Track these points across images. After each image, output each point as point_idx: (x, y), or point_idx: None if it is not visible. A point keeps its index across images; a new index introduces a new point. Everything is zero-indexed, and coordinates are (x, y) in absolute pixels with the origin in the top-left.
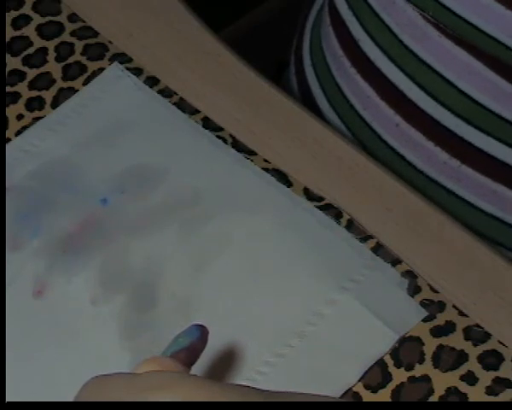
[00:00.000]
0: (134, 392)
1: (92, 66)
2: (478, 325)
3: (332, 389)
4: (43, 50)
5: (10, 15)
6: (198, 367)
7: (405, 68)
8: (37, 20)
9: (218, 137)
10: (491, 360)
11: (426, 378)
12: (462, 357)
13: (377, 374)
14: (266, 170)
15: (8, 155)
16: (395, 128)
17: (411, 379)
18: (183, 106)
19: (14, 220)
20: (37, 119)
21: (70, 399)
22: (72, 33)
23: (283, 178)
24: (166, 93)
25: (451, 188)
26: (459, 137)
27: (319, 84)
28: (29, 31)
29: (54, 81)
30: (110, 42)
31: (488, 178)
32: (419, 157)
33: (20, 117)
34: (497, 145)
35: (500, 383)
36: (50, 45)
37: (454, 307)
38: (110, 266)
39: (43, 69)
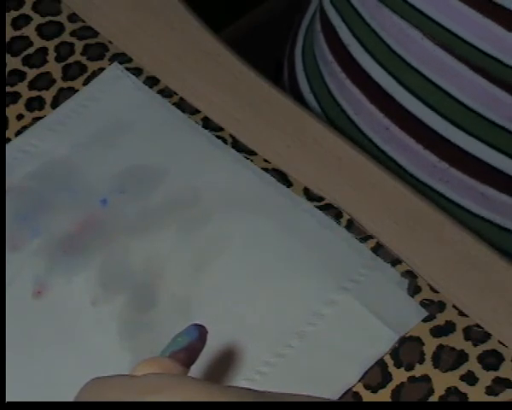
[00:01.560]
0: (133, 395)
1: (92, 66)
2: (478, 325)
3: (332, 390)
4: (43, 50)
5: (10, 15)
6: (198, 367)
7: (393, 72)
8: (37, 20)
9: (218, 137)
10: (491, 360)
11: (426, 378)
12: (462, 357)
13: (377, 374)
14: (266, 170)
15: (7, 155)
16: (385, 132)
17: (411, 379)
18: (182, 106)
19: (14, 221)
20: (37, 119)
21: (70, 399)
22: (72, 33)
23: (283, 178)
24: (166, 93)
25: (441, 190)
26: (446, 139)
27: (311, 89)
28: (29, 31)
29: (54, 81)
30: (110, 42)
31: (476, 180)
32: (409, 160)
33: (20, 117)
34: (484, 148)
35: (500, 383)
36: (50, 45)
37: (454, 307)
38: (110, 266)
39: (43, 69)
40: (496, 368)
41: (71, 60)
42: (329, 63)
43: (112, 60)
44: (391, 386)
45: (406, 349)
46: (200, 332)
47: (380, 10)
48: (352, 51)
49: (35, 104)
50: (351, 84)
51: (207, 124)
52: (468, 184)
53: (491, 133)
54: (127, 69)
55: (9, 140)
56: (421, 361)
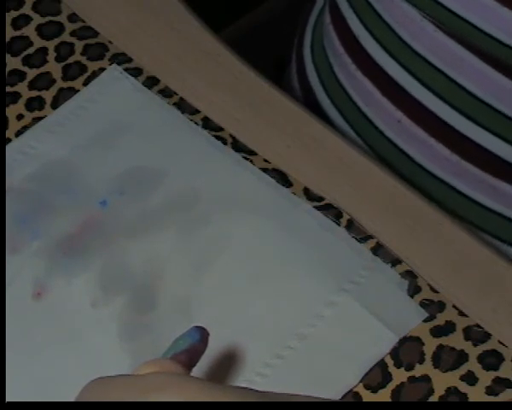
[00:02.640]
0: (135, 393)
1: (92, 66)
2: (478, 325)
3: (332, 391)
4: (43, 50)
5: (10, 15)
6: (198, 369)
7: (405, 64)
8: (37, 20)
9: (218, 137)
10: (491, 360)
11: (426, 378)
12: (462, 357)
13: (377, 374)
14: (266, 170)
15: (7, 156)
16: (397, 124)
17: (411, 379)
18: (182, 106)
19: (14, 222)
20: (37, 119)
21: (70, 400)
22: (72, 33)
23: (283, 178)
24: (166, 93)
25: (453, 183)
26: (459, 132)
27: (320, 82)
28: (29, 31)
29: (54, 81)
30: (110, 42)
31: (488, 173)
32: (421, 153)
33: (20, 117)
34: (496, 141)
35: (500, 383)
36: (50, 45)
37: (454, 307)
38: (110, 267)
39: (43, 69)
40: (496, 368)
41: (71, 60)
42: (340, 55)
43: (112, 60)
44: (391, 386)
45: (406, 349)
46: (202, 334)
47: (391, 1)
48: (362, 43)
49: (35, 104)
50: (362, 76)
51: (207, 124)
52: (480, 178)
53: (504, 126)
54: (127, 69)
55: (9, 140)
56: (421, 361)
